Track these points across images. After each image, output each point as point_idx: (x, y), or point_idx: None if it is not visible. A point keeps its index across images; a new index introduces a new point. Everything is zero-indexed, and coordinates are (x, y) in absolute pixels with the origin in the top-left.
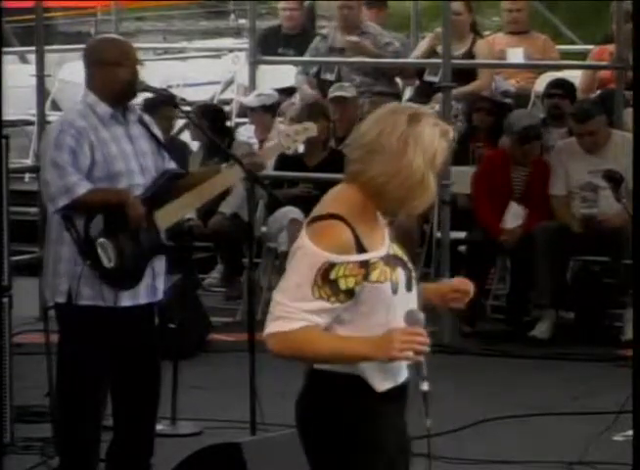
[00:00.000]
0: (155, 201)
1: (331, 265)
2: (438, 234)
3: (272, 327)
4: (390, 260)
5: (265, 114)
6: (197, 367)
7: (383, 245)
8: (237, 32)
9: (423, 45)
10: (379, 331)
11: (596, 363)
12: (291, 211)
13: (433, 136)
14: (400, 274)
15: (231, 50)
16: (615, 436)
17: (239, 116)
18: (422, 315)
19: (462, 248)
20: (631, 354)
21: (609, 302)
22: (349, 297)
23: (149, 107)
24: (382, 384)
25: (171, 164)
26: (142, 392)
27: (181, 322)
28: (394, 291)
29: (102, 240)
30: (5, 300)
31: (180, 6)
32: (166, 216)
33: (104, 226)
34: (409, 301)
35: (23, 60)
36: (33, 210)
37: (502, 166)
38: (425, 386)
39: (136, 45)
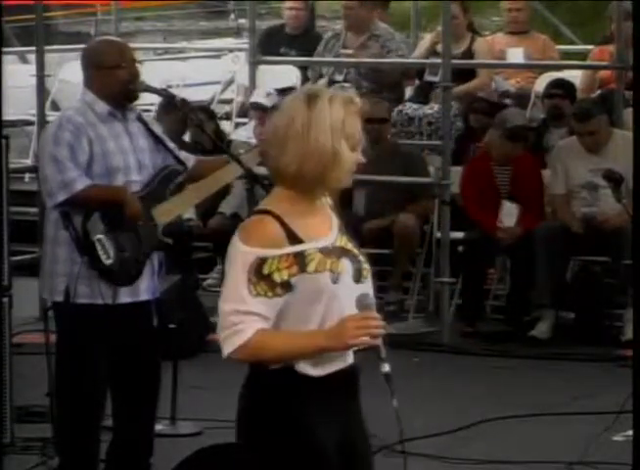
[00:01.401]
0: (153, 197)
1: (262, 260)
2: (438, 234)
3: (227, 347)
4: (333, 252)
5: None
6: (197, 367)
7: (326, 236)
8: (237, 32)
9: (423, 44)
10: (318, 321)
11: (596, 363)
12: None
13: (334, 109)
14: (345, 265)
15: (231, 50)
16: (615, 436)
17: (239, 116)
18: (372, 299)
19: (461, 248)
20: (631, 354)
21: (609, 302)
22: (287, 289)
23: (162, 109)
24: (314, 370)
25: (170, 161)
26: (141, 391)
27: (181, 322)
28: (334, 281)
29: (100, 236)
30: (5, 300)
31: (180, 6)
32: (165, 213)
33: (102, 223)
34: (358, 292)
35: (23, 60)
36: (33, 210)
37: (484, 167)
38: (385, 367)
39: (136, 45)
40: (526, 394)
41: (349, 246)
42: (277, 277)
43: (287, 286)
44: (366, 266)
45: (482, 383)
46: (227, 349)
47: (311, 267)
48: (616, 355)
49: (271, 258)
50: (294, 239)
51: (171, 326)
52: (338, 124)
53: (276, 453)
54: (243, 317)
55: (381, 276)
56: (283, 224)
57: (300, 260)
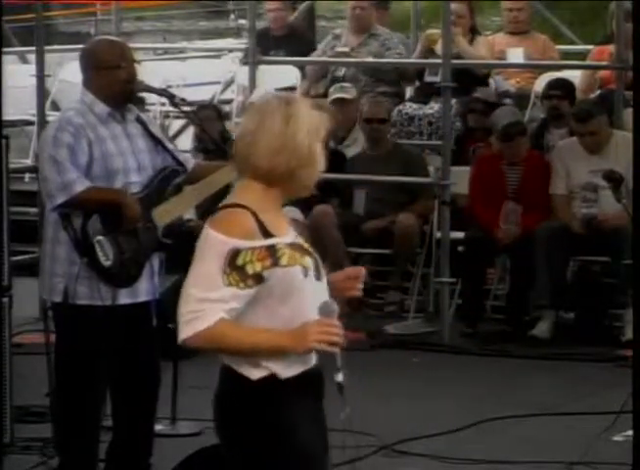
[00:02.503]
0: (152, 199)
1: (237, 252)
2: (438, 234)
3: (186, 331)
4: (297, 247)
5: None
6: (197, 367)
7: (288, 234)
8: (237, 32)
9: (417, 50)
10: (291, 315)
11: (596, 363)
12: (291, 211)
13: (311, 111)
14: (310, 262)
15: (231, 50)
16: (615, 436)
17: (239, 116)
18: (336, 307)
19: (462, 248)
20: (631, 354)
21: (609, 302)
22: (258, 282)
23: None
24: (286, 371)
25: (170, 162)
26: (141, 392)
27: None
28: (305, 274)
29: (100, 238)
30: (5, 300)
31: (180, 6)
32: (164, 214)
33: (101, 224)
34: (320, 289)
35: (23, 60)
36: (33, 210)
37: (494, 166)
38: (339, 377)
39: (136, 45)
40: (526, 394)
41: (306, 245)
42: (250, 269)
43: (258, 278)
44: (321, 264)
45: (482, 383)
46: (186, 332)
47: (284, 261)
48: (616, 355)
49: (245, 250)
50: (265, 232)
51: (171, 326)
52: (314, 126)
53: (262, 460)
54: (210, 305)
55: (381, 276)
56: (256, 217)
57: (273, 254)
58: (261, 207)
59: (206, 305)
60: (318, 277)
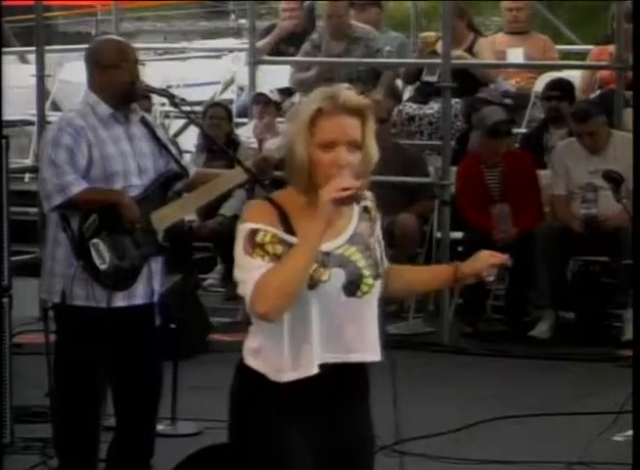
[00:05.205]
0: (152, 202)
1: (253, 231)
2: (438, 234)
3: (247, 303)
4: (327, 258)
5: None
6: (197, 367)
7: (329, 242)
8: (237, 32)
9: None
10: (287, 322)
11: (596, 363)
12: None
13: (309, 100)
14: (336, 275)
15: (231, 50)
16: (615, 436)
17: (239, 116)
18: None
19: (462, 248)
20: (631, 354)
21: (609, 302)
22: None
23: None
24: (280, 375)
25: (173, 166)
26: (142, 392)
27: (181, 322)
28: (311, 286)
29: (95, 240)
30: (5, 300)
31: (180, 6)
32: (163, 218)
33: (99, 226)
34: (349, 306)
35: (23, 60)
36: (33, 210)
37: (475, 170)
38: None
39: (136, 45)
40: (526, 394)
41: (355, 257)
42: (270, 249)
43: (278, 259)
44: (368, 281)
45: (482, 383)
46: (248, 305)
47: None
48: (616, 355)
49: (263, 231)
50: (287, 228)
51: (171, 326)
52: (303, 114)
53: (245, 445)
54: (249, 274)
55: None
56: (280, 211)
57: (288, 250)
58: (295, 206)
59: (247, 276)
60: (353, 293)
